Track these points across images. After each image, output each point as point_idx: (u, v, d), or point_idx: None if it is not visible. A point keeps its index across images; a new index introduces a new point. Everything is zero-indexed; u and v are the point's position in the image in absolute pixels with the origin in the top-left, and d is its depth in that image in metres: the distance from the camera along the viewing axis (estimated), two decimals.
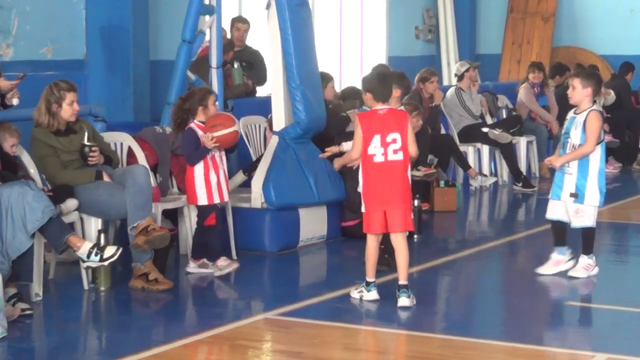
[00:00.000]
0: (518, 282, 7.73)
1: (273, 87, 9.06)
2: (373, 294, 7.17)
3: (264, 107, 9.71)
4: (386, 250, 7.88)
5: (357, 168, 7.25)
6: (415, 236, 9.35)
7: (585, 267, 7.81)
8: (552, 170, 8.10)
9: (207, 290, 7.69)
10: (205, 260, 8.05)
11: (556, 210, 7.85)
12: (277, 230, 8.78)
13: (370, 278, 7.18)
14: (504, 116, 13.70)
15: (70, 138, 7.68)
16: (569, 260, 7.91)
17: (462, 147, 12.26)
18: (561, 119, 14.01)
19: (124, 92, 10.20)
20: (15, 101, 7.58)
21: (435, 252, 9.12)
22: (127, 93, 10.22)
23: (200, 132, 7.87)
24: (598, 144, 7.69)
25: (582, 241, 7.86)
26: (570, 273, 7.83)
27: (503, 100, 13.93)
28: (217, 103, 8.07)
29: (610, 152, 14.50)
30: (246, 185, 9.00)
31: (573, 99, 7.80)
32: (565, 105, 14.29)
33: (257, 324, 6.68)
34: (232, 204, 8.57)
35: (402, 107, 8.07)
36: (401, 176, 7.08)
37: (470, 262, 8.64)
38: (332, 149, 8.54)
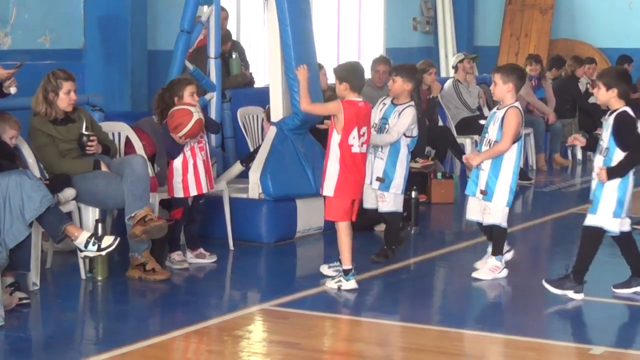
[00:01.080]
0: (514, 274, 7.73)
1: (271, 78, 9.05)
2: (352, 283, 7.17)
3: (261, 97, 9.70)
4: (391, 242, 7.96)
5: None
6: (413, 228, 9.36)
7: (491, 268, 7.57)
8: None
9: (204, 280, 7.70)
10: (202, 250, 8.05)
11: (473, 209, 7.64)
12: (274, 221, 8.78)
13: (348, 265, 7.19)
14: None
15: (69, 127, 7.68)
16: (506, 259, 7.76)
17: (460, 139, 12.26)
18: (559, 111, 14.06)
19: (122, 81, 10.18)
20: (12, 90, 7.56)
21: (432, 244, 9.14)
22: (125, 83, 10.20)
23: None
24: (515, 142, 7.43)
25: (492, 241, 7.62)
26: (475, 274, 7.61)
27: None
28: (195, 95, 7.96)
29: None
30: (244, 175, 8.99)
31: (495, 94, 7.66)
32: (562, 98, 14.47)
33: (254, 315, 6.69)
34: (229, 194, 8.58)
35: (411, 101, 8.08)
36: (364, 167, 7.31)
37: (467, 254, 8.64)
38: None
